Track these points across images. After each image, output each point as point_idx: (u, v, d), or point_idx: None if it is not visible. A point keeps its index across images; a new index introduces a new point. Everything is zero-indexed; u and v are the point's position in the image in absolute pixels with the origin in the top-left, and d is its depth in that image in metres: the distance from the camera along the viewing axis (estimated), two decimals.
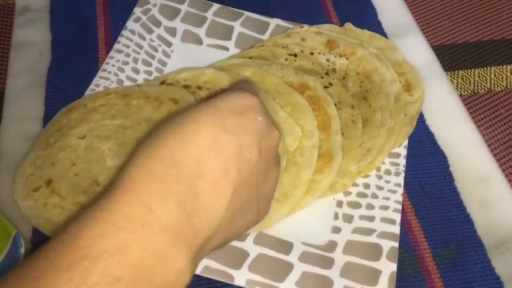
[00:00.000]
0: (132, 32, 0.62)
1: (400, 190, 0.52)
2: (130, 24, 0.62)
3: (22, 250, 0.46)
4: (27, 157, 0.49)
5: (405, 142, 0.55)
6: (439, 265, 0.50)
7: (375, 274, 0.46)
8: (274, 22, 0.65)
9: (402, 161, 0.54)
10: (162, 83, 0.56)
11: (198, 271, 0.45)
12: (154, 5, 0.64)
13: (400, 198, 0.51)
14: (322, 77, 0.58)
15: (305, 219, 0.50)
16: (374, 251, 0.48)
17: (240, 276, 0.45)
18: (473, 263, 0.51)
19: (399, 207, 0.51)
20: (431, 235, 0.52)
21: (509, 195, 0.55)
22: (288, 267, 0.46)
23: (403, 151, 0.55)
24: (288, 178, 0.50)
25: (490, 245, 0.52)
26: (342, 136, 0.53)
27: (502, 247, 0.52)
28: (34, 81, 0.60)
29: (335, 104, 0.56)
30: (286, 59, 0.60)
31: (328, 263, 0.47)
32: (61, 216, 0.45)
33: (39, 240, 0.49)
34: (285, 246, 0.48)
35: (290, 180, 0.50)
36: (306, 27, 0.63)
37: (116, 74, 0.58)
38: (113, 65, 0.59)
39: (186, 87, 0.56)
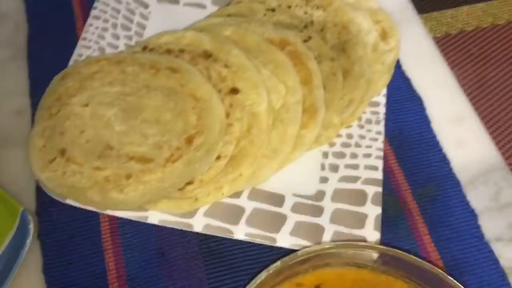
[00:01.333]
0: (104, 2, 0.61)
1: (381, 138, 0.55)
2: None
3: (31, 226, 0.49)
4: (33, 130, 0.51)
5: (384, 91, 0.58)
6: (419, 204, 0.54)
7: (361, 218, 0.50)
8: None
9: (382, 110, 0.57)
10: (144, 48, 0.57)
11: (200, 229, 0.48)
12: None
13: (382, 145, 0.54)
14: (301, 31, 0.59)
15: (294, 172, 0.53)
16: (359, 197, 0.51)
17: (239, 230, 0.49)
18: (450, 199, 0.55)
19: (381, 154, 0.54)
20: (411, 177, 0.56)
21: (481, 133, 0.59)
22: (282, 218, 0.50)
23: (382, 100, 0.57)
24: (275, 135, 0.53)
25: (465, 181, 0.56)
26: (323, 89, 0.55)
27: (476, 182, 0.56)
28: (13, 54, 0.60)
29: (315, 58, 0.57)
30: (265, 15, 0.61)
31: (318, 211, 0.51)
32: (83, 181, 0.47)
33: (44, 215, 0.51)
34: (278, 199, 0.51)
35: (278, 136, 0.53)
36: None
37: (96, 42, 0.58)
38: (93, 33, 0.59)
39: (168, 51, 0.57)
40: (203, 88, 0.53)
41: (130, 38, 0.60)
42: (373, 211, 0.50)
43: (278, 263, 0.41)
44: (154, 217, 0.49)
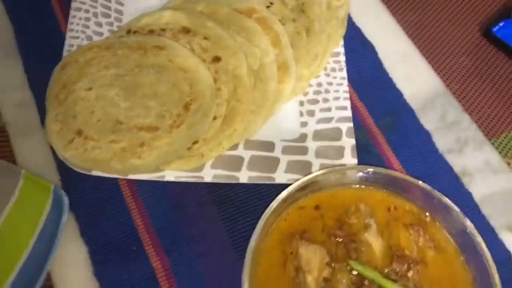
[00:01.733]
0: None
1: (345, 82, 0.65)
2: None
3: (66, 199, 0.56)
4: (48, 117, 0.57)
5: (341, 42, 0.68)
6: (383, 131, 0.65)
7: (340, 150, 0.60)
8: None
9: (342, 58, 0.66)
10: (128, 32, 0.63)
11: (210, 179, 0.57)
12: None
13: (347, 88, 0.64)
14: (271, 2, 0.67)
15: (279, 122, 0.63)
16: (336, 133, 0.62)
17: (242, 175, 0.58)
18: (407, 124, 0.66)
19: (347, 95, 0.64)
20: (373, 111, 0.66)
21: (424, 67, 0.70)
22: (276, 160, 0.59)
23: (341, 50, 0.67)
24: (258, 92, 0.62)
25: (417, 108, 0.67)
26: (291, 48, 0.64)
27: (426, 108, 0.68)
28: (5, 53, 0.65)
29: (279, 21, 0.66)
30: None
31: (304, 150, 0.61)
32: (103, 154, 0.55)
33: (71, 189, 0.58)
34: (269, 146, 0.61)
35: (260, 93, 0.62)
36: None
37: (83, 31, 0.64)
38: (78, 24, 0.64)
39: (151, 31, 0.63)
40: (190, 60, 0.60)
41: (111, 24, 0.66)
42: (348, 143, 0.61)
43: (284, 192, 0.51)
44: (170, 175, 0.57)
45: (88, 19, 0.65)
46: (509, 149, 0.64)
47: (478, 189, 0.63)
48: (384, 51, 0.71)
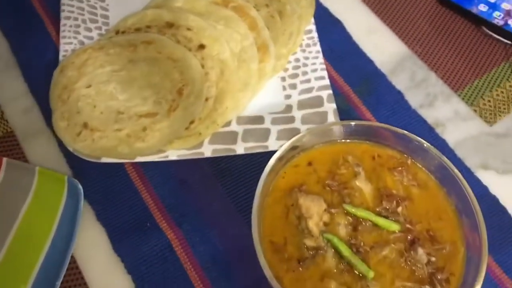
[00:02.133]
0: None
1: (320, 55, 0.71)
2: None
3: (80, 187, 0.60)
4: (54, 116, 0.62)
5: (312, 20, 0.74)
6: (360, 97, 0.71)
7: (323, 115, 0.66)
8: None
9: (315, 34, 0.73)
10: (117, 32, 0.69)
11: (210, 154, 0.62)
12: None
13: (322, 60, 0.71)
14: None
15: (265, 97, 0.68)
16: (318, 101, 0.68)
17: (239, 147, 0.63)
18: (381, 87, 0.72)
19: (324, 66, 0.70)
20: (348, 80, 0.73)
21: (390, 36, 0.77)
22: (267, 131, 0.65)
23: (313, 27, 0.73)
24: (243, 73, 0.67)
25: (388, 72, 0.74)
26: (268, 30, 0.70)
27: (396, 71, 0.74)
28: (5, 65, 0.70)
29: (254, 7, 0.72)
30: None
31: (291, 119, 0.66)
32: (110, 142, 0.60)
33: (82, 179, 0.63)
34: (259, 119, 0.66)
35: (245, 73, 0.67)
36: None
37: (75, 37, 0.69)
38: (69, 31, 0.70)
39: (137, 29, 0.69)
40: (177, 50, 0.66)
41: (100, 28, 0.71)
42: (330, 108, 0.67)
43: (278, 152, 0.56)
44: (173, 154, 0.62)
45: (77, 25, 0.70)
46: (474, 98, 0.71)
47: (451, 136, 0.70)
48: (352, 25, 0.78)
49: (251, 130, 0.65)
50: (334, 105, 0.67)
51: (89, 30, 0.71)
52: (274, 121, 0.66)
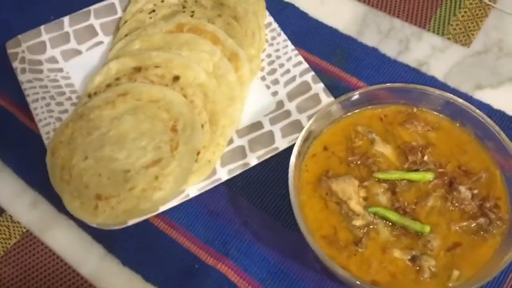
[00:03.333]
0: (29, 81, 0.70)
1: (288, 42, 0.71)
2: (21, 77, 0.70)
3: None
4: (65, 201, 0.60)
5: (267, 13, 0.74)
6: (338, 66, 0.72)
7: (315, 97, 0.66)
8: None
9: (275, 25, 0.73)
10: (89, 96, 0.67)
11: (226, 176, 0.62)
12: (23, 51, 0.72)
13: (292, 46, 0.71)
14: (184, 11, 0.73)
15: (253, 103, 0.68)
16: (305, 86, 0.68)
17: (251, 159, 0.63)
18: (354, 50, 0.73)
19: (296, 52, 0.70)
20: (321, 54, 0.73)
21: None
22: (270, 133, 0.65)
23: (270, 19, 0.73)
24: (224, 88, 0.67)
25: (355, 34, 0.75)
26: (230, 38, 0.70)
27: (362, 30, 0.75)
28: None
29: (208, 22, 0.71)
30: (151, 18, 0.73)
31: (287, 114, 0.66)
32: (129, 203, 0.58)
33: (115, 246, 0.62)
34: (258, 125, 0.66)
35: (226, 88, 0.67)
36: None
37: (50, 116, 0.67)
38: (42, 112, 0.68)
39: (108, 86, 0.67)
40: (154, 90, 0.65)
41: (70, 98, 0.70)
42: (319, 88, 0.67)
43: (295, 148, 0.56)
44: (193, 191, 0.61)
45: (48, 104, 0.68)
46: (443, 27, 0.72)
47: (438, 70, 0.71)
48: (303, 3, 0.78)
49: (255, 138, 0.65)
50: (321, 84, 0.67)
51: (61, 104, 0.69)
52: (273, 121, 0.66)
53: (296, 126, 0.65)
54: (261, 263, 0.60)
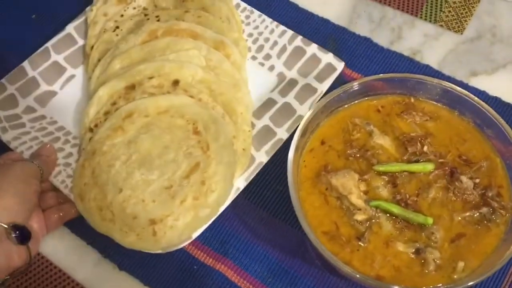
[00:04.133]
0: (15, 138, 0.63)
1: (264, 16, 0.71)
2: (5, 137, 0.63)
3: None
4: (119, 240, 0.56)
5: None
6: (337, 55, 0.69)
7: (314, 57, 0.67)
8: (70, 28, 0.71)
9: (244, 4, 0.72)
10: (91, 130, 0.62)
11: (266, 159, 0.60)
12: None
13: (270, 19, 0.70)
14: (148, 19, 0.69)
15: (255, 84, 0.66)
16: (299, 51, 0.68)
17: (282, 133, 0.62)
18: (347, 40, 0.72)
19: (276, 23, 0.70)
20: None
21: None
22: (287, 104, 0.64)
23: (242, 4, 0.72)
24: (224, 77, 0.64)
25: (347, 24, 0.73)
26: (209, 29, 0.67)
27: (353, 19, 0.74)
28: None
29: (178, 19, 0.68)
30: (117, 35, 0.69)
31: (293, 81, 0.66)
32: (187, 216, 0.56)
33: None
34: (271, 102, 0.65)
35: (226, 77, 0.64)
36: (94, 7, 0.71)
37: (57, 165, 0.62)
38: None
39: (106, 113, 0.63)
40: (159, 101, 0.61)
41: (68, 141, 0.64)
42: (313, 48, 0.67)
43: (292, 144, 0.55)
44: (241, 183, 0.59)
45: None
46: (435, 14, 0.72)
47: (432, 58, 0.70)
48: None
49: (274, 114, 0.64)
50: (314, 44, 0.67)
51: (61, 149, 0.63)
52: (283, 93, 0.65)
53: (308, 89, 0.65)
54: (261, 261, 0.59)
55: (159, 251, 0.56)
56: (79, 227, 0.60)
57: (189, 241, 0.56)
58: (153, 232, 0.55)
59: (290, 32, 0.69)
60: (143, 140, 0.59)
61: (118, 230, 0.56)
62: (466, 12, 0.73)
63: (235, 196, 0.59)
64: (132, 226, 0.55)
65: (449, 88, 0.57)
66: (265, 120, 0.64)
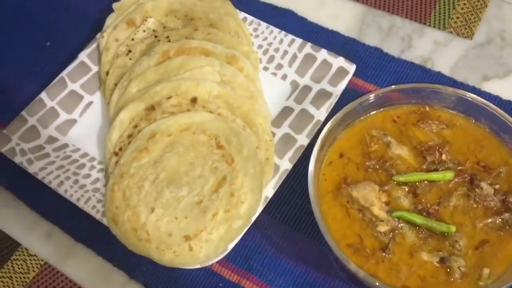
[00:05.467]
0: (42, 169, 0.64)
1: (272, 27, 0.72)
2: (31, 169, 0.64)
3: None
4: (159, 258, 0.57)
5: (236, 10, 0.74)
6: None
7: (325, 62, 0.69)
8: (83, 56, 0.72)
9: (250, 18, 0.73)
10: (116, 154, 0.63)
11: (290, 167, 0.62)
12: (18, 144, 0.66)
13: (278, 29, 0.72)
14: (159, 40, 0.71)
15: (270, 94, 0.68)
16: (310, 58, 0.69)
17: (302, 139, 0.63)
18: (358, 52, 0.72)
19: (284, 32, 0.72)
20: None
21: (341, 2, 0.77)
22: (304, 111, 0.65)
23: (243, 14, 0.74)
24: (240, 91, 0.65)
25: (356, 35, 0.74)
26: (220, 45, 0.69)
27: (362, 30, 0.74)
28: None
29: (189, 38, 0.69)
30: (130, 59, 0.70)
31: (307, 88, 0.68)
32: (220, 228, 0.57)
33: None
34: (288, 110, 0.67)
35: (241, 91, 0.65)
36: (105, 34, 0.72)
37: (86, 191, 0.63)
38: (75, 191, 0.63)
39: (130, 136, 0.64)
40: (180, 119, 0.62)
41: (92, 167, 0.66)
42: (323, 53, 0.69)
43: (312, 157, 0.55)
44: (269, 192, 0.61)
45: (76, 181, 0.64)
46: (444, 21, 0.72)
47: (443, 65, 0.71)
48: (301, 9, 0.77)
49: (293, 121, 0.65)
50: (324, 50, 0.69)
51: (88, 176, 0.65)
52: (298, 101, 0.67)
53: (323, 94, 0.66)
54: (285, 276, 0.59)
55: (198, 266, 0.57)
56: (105, 249, 0.61)
57: (226, 252, 0.58)
58: (189, 248, 0.56)
59: (299, 40, 0.70)
60: (169, 159, 0.61)
61: (155, 249, 0.57)
62: (474, 18, 0.73)
63: (265, 204, 0.60)
64: (168, 244, 0.57)
65: (463, 96, 0.58)
66: (285, 128, 0.65)
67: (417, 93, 0.59)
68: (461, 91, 0.58)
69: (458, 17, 0.74)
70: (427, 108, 0.59)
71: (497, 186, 0.54)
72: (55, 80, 0.70)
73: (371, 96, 0.59)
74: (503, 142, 0.56)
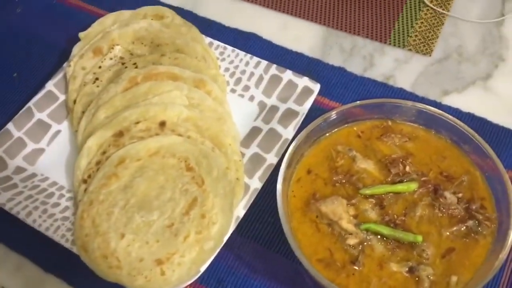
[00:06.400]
0: (9, 199, 0.63)
1: (237, 50, 0.74)
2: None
3: None
4: (122, 281, 0.56)
5: (202, 36, 0.75)
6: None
7: (290, 83, 0.70)
8: (50, 86, 0.72)
9: (216, 42, 0.75)
10: (85, 181, 0.63)
11: (259, 186, 0.62)
12: None
13: (243, 52, 0.74)
14: (126, 67, 0.71)
15: (238, 116, 0.69)
16: (275, 79, 0.71)
17: (271, 157, 0.64)
18: (322, 71, 0.74)
19: (250, 55, 0.73)
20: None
21: (303, 24, 0.79)
22: (272, 130, 0.67)
23: (208, 39, 0.75)
24: (208, 113, 0.66)
25: (320, 56, 0.76)
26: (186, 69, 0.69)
27: (326, 52, 0.77)
28: None
29: (156, 63, 0.71)
30: (98, 86, 0.71)
31: (274, 108, 0.69)
32: (192, 251, 0.57)
33: None
34: (256, 130, 0.68)
35: (210, 113, 0.66)
36: (71, 62, 0.73)
37: (55, 220, 0.62)
38: (44, 221, 0.62)
39: (98, 163, 0.63)
40: (149, 144, 0.63)
41: (62, 195, 0.65)
42: (288, 74, 0.71)
43: (280, 175, 0.56)
44: (240, 211, 0.61)
45: (44, 211, 0.63)
46: (403, 39, 0.75)
47: (404, 81, 0.73)
48: (265, 32, 0.79)
49: (261, 141, 0.67)
50: (289, 71, 0.71)
51: (57, 204, 0.64)
52: (266, 121, 0.68)
53: (290, 113, 0.68)
54: None
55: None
56: (77, 278, 0.61)
57: (198, 275, 0.57)
58: (161, 272, 0.56)
59: (264, 62, 0.72)
60: (139, 184, 0.61)
61: (126, 275, 0.56)
62: (432, 35, 0.76)
63: (236, 224, 0.60)
64: (140, 269, 0.56)
65: (423, 109, 0.60)
66: (254, 148, 0.66)
67: (379, 108, 0.61)
68: (421, 105, 0.60)
69: (416, 35, 0.77)
70: (390, 123, 0.61)
71: (460, 195, 0.55)
72: (22, 111, 0.70)
73: (333, 113, 0.60)
74: (463, 152, 0.58)
